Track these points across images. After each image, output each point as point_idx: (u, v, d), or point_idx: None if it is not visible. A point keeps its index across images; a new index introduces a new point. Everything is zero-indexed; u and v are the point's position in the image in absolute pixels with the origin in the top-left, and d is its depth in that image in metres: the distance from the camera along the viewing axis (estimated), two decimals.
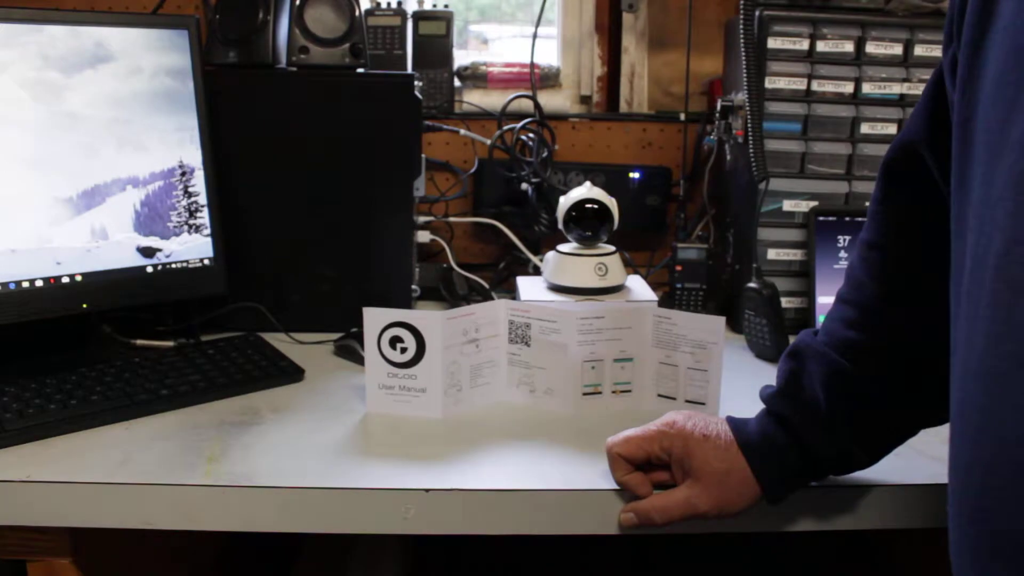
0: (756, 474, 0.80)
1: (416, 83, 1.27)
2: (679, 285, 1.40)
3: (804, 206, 1.33)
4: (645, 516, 0.82)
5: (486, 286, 1.45)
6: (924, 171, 0.74)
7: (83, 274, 1.09)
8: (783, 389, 0.82)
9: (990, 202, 0.55)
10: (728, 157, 1.41)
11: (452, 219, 1.56)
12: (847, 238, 1.32)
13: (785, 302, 1.28)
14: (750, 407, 0.84)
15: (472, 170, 1.58)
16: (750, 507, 0.81)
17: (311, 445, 0.91)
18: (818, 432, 0.79)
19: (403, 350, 0.98)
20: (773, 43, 1.30)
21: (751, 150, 1.23)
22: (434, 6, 1.59)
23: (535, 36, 1.56)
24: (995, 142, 0.55)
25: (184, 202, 1.17)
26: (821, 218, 1.32)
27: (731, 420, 0.83)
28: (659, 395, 1.03)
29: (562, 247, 1.30)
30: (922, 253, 0.76)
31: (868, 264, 0.80)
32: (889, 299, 0.78)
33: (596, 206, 1.27)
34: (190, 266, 1.18)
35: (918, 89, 1.31)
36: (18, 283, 1.04)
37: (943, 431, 0.71)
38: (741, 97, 1.28)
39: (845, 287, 0.83)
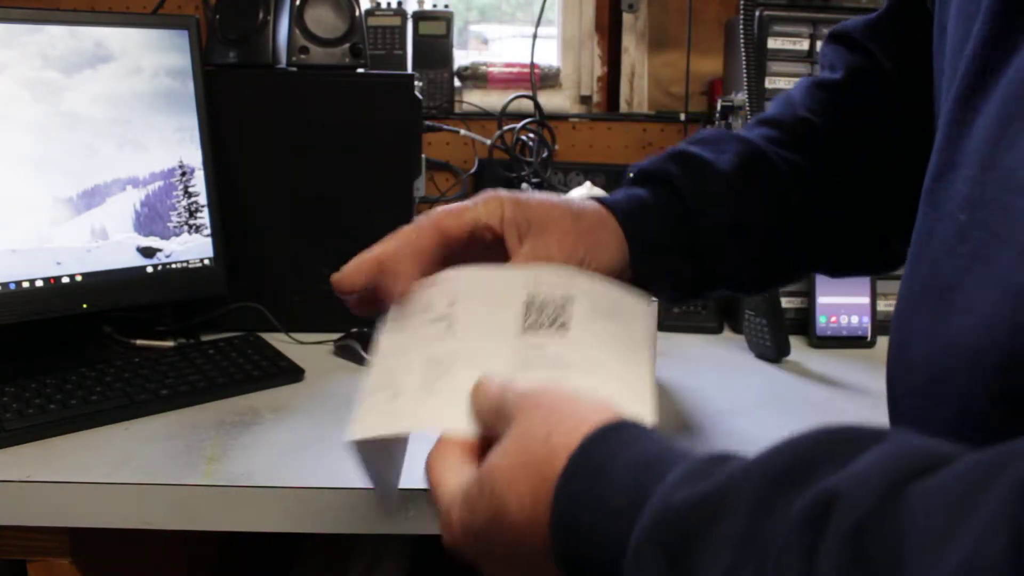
0: (621, 223, 0.62)
1: (416, 83, 1.27)
2: None
3: None
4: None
5: None
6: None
7: (83, 274, 1.09)
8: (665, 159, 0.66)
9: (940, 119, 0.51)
10: None
11: None
12: None
13: (785, 302, 1.28)
14: (751, 407, 0.84)
15: (472, 170, 1.58)
16: (620, 267, 0.62)
17: (311, 445, 0.91)
18: (707, 185, 0.64)
19: None
20: (773, 43, 1.30)
21: None
22: (434, 6, 1.59)
23: (535, 36, 1.56)
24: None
25: (184, 202, 1.17)
26: None
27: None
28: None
29: None
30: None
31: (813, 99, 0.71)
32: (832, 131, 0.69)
33: None
34: (190, 266, 1.18)
35: None
36: (18, 283, 1.04)
37: None
38: (741, 97, 1.28)
39: (772, 110, 0.72)
